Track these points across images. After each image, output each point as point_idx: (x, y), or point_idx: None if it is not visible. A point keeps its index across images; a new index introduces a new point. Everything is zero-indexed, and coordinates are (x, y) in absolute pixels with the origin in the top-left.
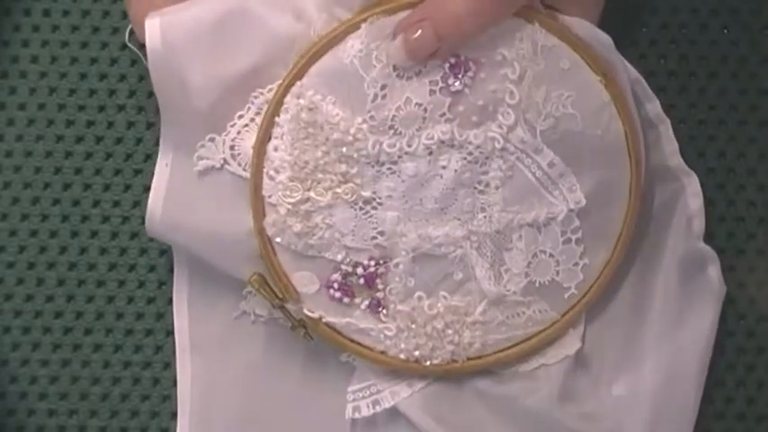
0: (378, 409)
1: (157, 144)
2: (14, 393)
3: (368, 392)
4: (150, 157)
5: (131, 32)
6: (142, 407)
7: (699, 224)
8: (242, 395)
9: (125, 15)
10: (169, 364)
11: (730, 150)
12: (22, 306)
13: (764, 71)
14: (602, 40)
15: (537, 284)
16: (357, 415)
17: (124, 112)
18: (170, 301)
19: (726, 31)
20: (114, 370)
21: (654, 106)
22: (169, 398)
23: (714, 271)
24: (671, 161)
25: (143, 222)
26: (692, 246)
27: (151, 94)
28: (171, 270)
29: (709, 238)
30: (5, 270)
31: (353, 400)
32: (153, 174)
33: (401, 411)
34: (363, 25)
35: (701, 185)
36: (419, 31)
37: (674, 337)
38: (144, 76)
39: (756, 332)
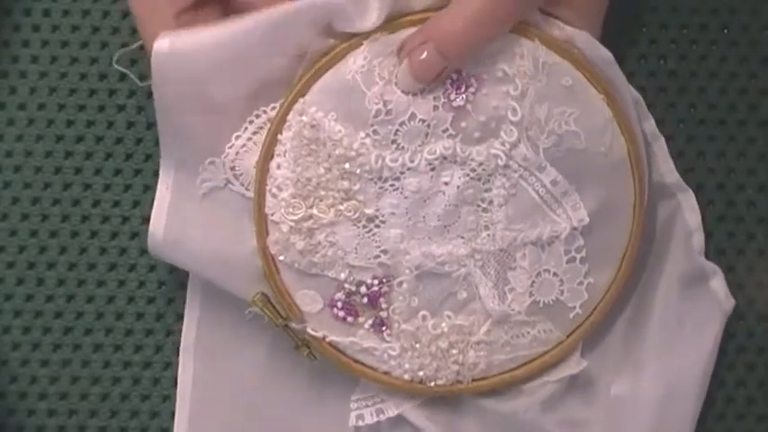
0: (381, 417)
1: (157, 144)
2: (14, 393)
3: (372, 401)
4: (150, 157)
5: (122, 54)
6: (142, 407)
7: (698, 240)
8: (244, 400)
9: (125, 15)
10: (169, 364)
11: (730, 150)
12: (22, 306)
13: (764, 71)
14: (604, 56)
15: (541, 304)
16: (360, 423)
17: (124, 112)
18: (170, 301)
19: (726, 31)
20: (114, 370)
21: (649, 124)
22: (169, 398)
23: (718, 285)
24: (667, 178)
25: (143, 222)
26: (693, 261)
27: (151, 95)
28: (171, 270)
29: (709, 238)
30: (5, 270)
31: (357, 408)
32: (153, 173)
33: (406, 418)
34: (365, 42)
35: (701, 185)
36: (424, 54)
37: (673, 351)
38: (144, 76)
39: (756, 332)
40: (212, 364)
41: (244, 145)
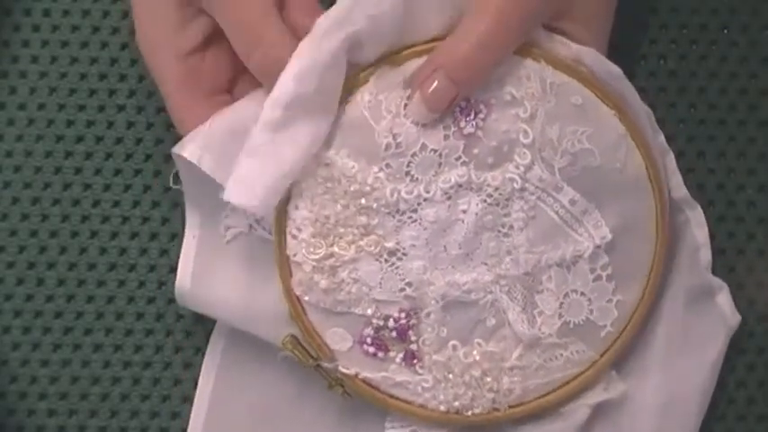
0: None
1: (157, 144)
2: (14, 393)
3: (406, 423)
4: (150, 157)
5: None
6: (142, 407)
7: (705, 255)
8: (268, 419)
9: (125, 15)
10: (169, 364)
11: (730, 150)
12: (22, 306)
13: (764, 71)
14: (613, 71)
15: (572, 325)
16: None
17: (124, 112)
18: (170, 302)
19: (726, 31)
20: (114, 370)
21: (659, 139)
22: (169, 398)
23: (724, 301)
24: (675, 193)
25: (143, 222)
26: (700, 277)
27: (151, 95)
28: (171, 270)
29: (709, 238)
30: (5, 270)
31: (392, 428)
32: (153, 173)
33: None
34: (371, 78)
35: (701, 185)
36: (435, 83)
37: (677, 364)
38: (144, 77)
39: (756, 332)
40: (235, 386)
41: None
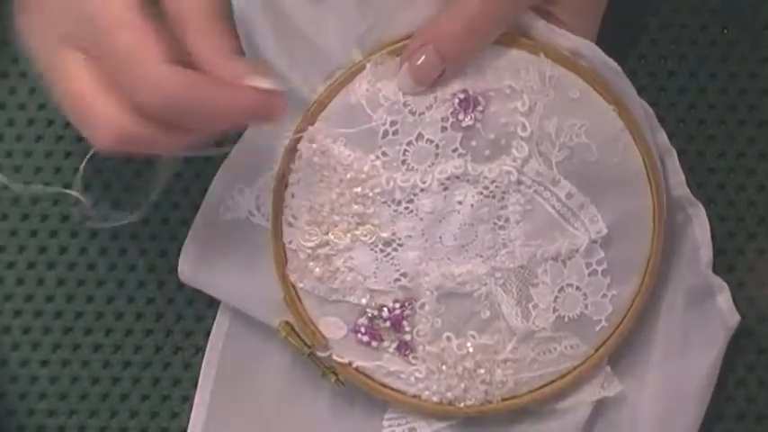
0: None
1: None
2: (14, 393)
3: (404, 420)
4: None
5: None
6: (142, 407)
7: (706, 254)
8: (267, 419)
9: None
10: (169, 364)
11: (730, 151)
12: (21, 306)
13: (764, 71)
14: (612, 66)
15: (566, 319)
16: None
17: None
18: (170, 301)
19: (726, 31)
20: (114, 370)
21: (661, 137)
22: (169, 398)
23: (723, 301)
24: (677, 192)
25: (144, 223)
26: (700, 276)
27: None
28: (170, 270)
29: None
30: (5, 270)
31: (389, 426)
32: (152, 173)
33: None
34: (368, 65)
35: (701, 185)
36: (423, 57)
37: (676, 365)
38: None
39: (756, 332)
40: (234, 385)
41: (272, 177)
